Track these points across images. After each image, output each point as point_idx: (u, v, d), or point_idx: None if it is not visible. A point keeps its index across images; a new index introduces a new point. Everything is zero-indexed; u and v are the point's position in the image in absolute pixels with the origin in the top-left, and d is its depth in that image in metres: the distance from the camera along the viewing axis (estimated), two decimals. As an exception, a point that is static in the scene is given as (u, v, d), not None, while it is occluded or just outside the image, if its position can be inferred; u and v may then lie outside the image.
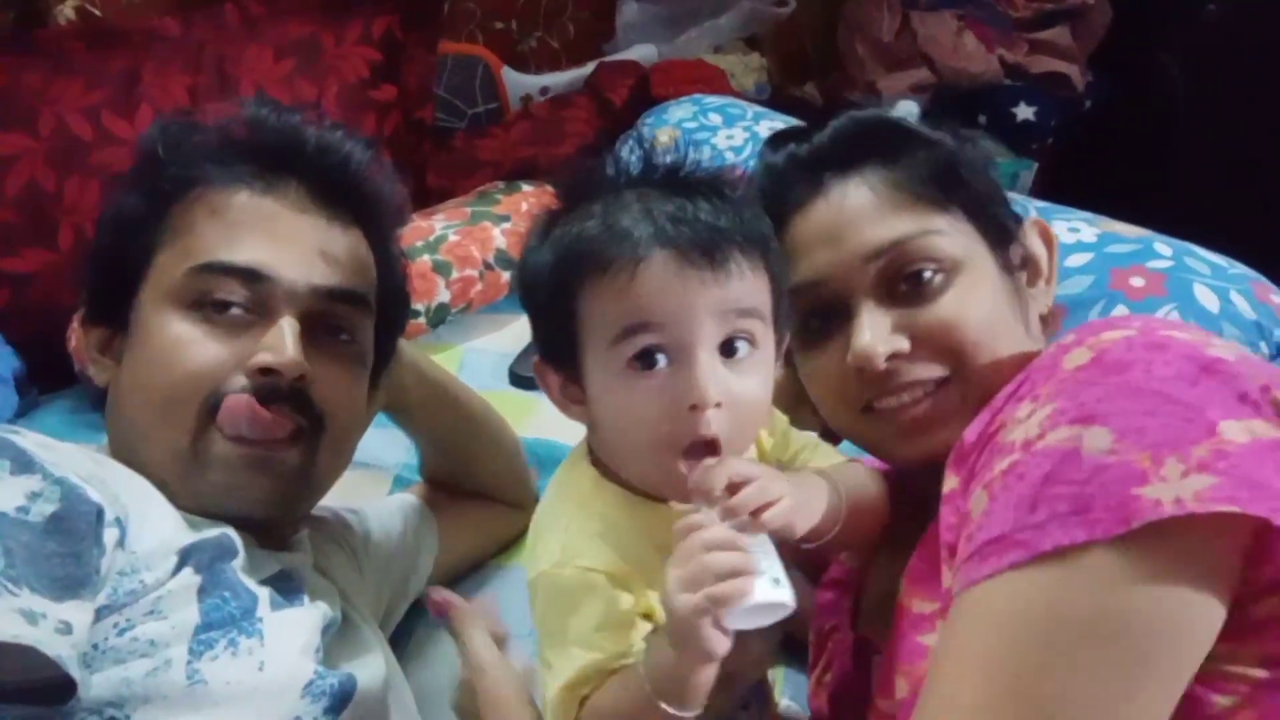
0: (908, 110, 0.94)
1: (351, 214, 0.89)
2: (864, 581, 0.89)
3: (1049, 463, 0.58)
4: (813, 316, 0.79)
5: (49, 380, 1.51)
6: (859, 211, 0.77)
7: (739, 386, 0.69)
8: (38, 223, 1.52)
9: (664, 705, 0.64)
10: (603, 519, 0.72)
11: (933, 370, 0.75)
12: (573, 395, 0.74)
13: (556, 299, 0.72)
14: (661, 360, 0.68)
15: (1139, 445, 0.56)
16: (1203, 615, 0.57)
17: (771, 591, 0.62)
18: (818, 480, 0.75)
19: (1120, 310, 1.19)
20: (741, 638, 0.64)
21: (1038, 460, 0.59)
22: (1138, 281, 1.21)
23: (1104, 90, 2.44)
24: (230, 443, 0.79)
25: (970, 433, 0.68)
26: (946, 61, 2.42)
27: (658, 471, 0.70)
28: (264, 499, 0.80)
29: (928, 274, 0.75)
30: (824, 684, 0.88)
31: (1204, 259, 1.25)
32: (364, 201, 0.91)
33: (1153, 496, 0.55)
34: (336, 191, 0.88)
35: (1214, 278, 1.21)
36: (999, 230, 0.80)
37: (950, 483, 0.68)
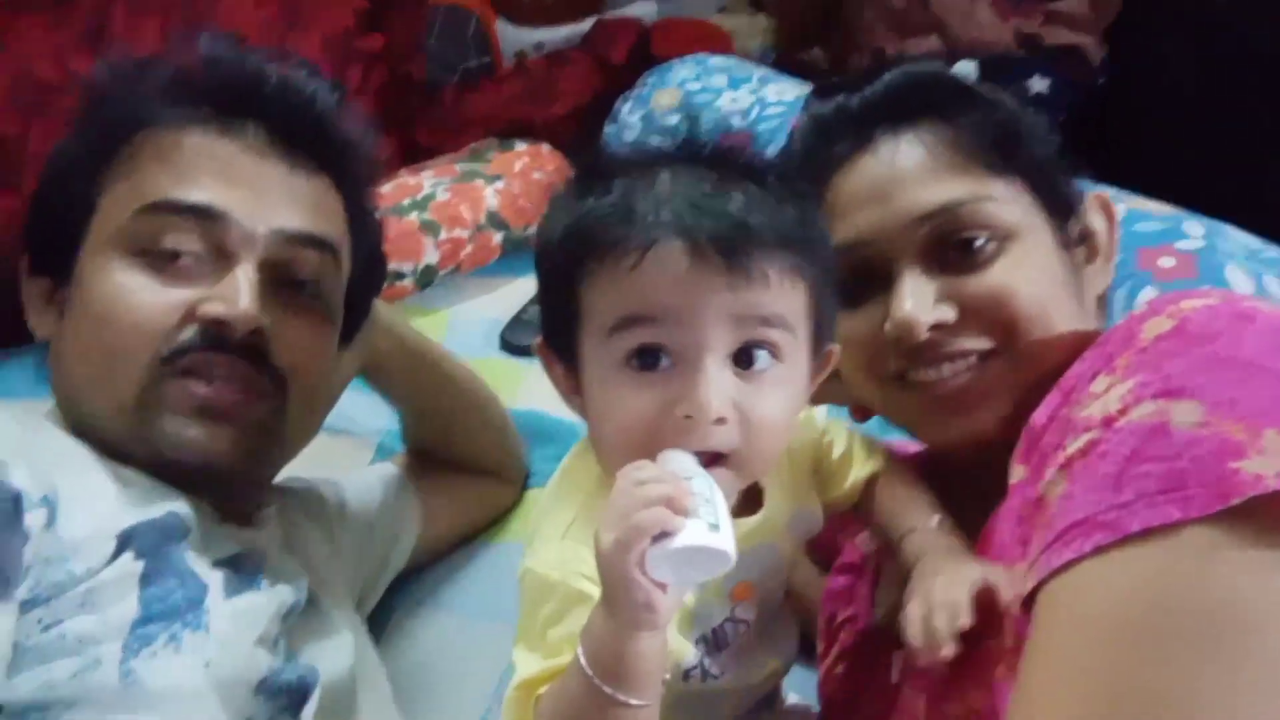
0: (965, 71, 0.87)
1: (317, 160, 0.83)
2: (881, 566, 0.84)
3: (1134, 439, 0.53)
4: (851, 279, 0.73)
5: (13, 334, 1.43)
6: (910, 170, 0.72)
7: (754, 402, 0.62)
8: (1, 169, 1.43)
9: (601, 684, 0.56)
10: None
11: (979, 342, 0.70)
12: (572, 385, 0.68)
13: (559, 276, 0.65)
14: (665, 361, 0.62)
15: (1233, 417, 0.51)
16: None
17: (704, 535, 0.54)
18: None
19: (1149, 293, 1.12)
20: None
21: (1121, 437, 0.54)
22: (1167, 262, 1.15)
23: (1120, 64, 2.37)
24: (185, 388, 0.72)
25: (1040, 415, 0.63)
26: (959, 30, 2.34)
27: None
28: (226, 450, 0.73)
29: (979, 241, 0.70)
30: (835, 675, 0.84)
31: (1236, 240, 1.19)
32: (330, 147, 0.84)
33: (1252, 471, 0.50)
34: (299, 135, 0.82)
35: (1247, 260, 1.15)
36: (1059, 202, 0.75)
37: (1018, 473, 0.63)
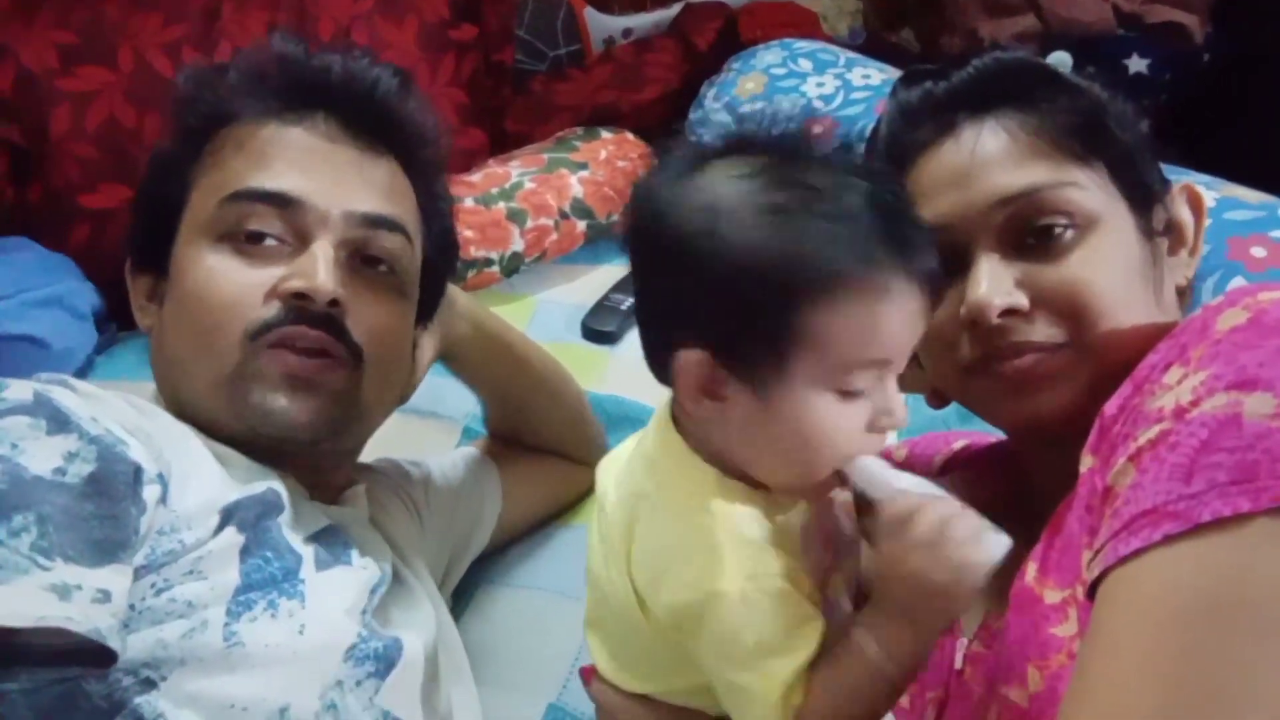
0: (1060, 61, 0.87)
1: (384, 144, 0.88)
2: None
3: (1206, 431, 0.53)
4: None
5: (128, 317, 1.52)
6: (992, 155, 0.72)
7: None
8: (117, 159, 1.52)
9: (904, 681, 0.63)
10: (755, 520, 0.66)
11: (1051, 334, 0.70)
12: (720, 392, 0.65)
13: (763, 298, 0.62)
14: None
15: None
16: None
17: (1002, 540, 0.60)
18: None
19: (1238, 283, 1.09)
20: None
21: (1193, 429, 0.54)
22: (1259, 252, 1.11)
23: (1225, 43, 2.27)
24: (273, 360, 0.77)
25: (1111, 406, 0.62)
26: (1055, 9, 2.28)
27: (820, 484, 0.66)
28: (307, 421, 0.78)
29: (1059, 228, 0.70)
30: None
31: (1335, 229, 1.15)
32: (396, 130, 0.89)
33: None
34: (366, 121, 0.87)
35: (1346, 250, 1.11)
36: (1143, 191, 0.74)
37: (1087, 462, 0.63)
